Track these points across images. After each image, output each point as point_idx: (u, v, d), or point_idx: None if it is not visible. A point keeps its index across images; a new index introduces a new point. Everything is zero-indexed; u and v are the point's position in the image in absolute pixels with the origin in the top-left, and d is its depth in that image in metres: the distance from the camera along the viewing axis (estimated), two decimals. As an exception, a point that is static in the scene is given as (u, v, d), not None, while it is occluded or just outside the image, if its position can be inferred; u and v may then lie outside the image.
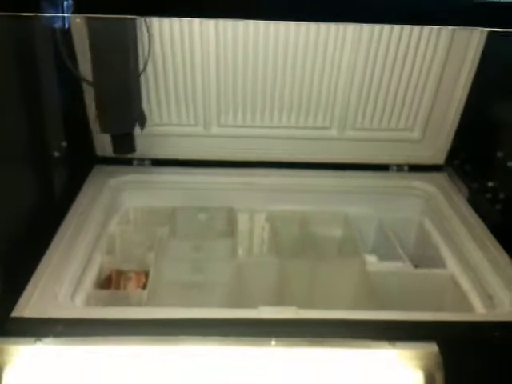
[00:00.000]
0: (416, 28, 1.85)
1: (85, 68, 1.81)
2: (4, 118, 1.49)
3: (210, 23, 1.82)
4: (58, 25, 1.52)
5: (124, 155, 2.00)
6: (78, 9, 1.08)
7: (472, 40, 1.88)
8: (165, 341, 1.30)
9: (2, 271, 1.41)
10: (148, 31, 1.82)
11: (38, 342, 1.28)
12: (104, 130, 1.86)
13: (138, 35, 1.84)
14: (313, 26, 1.84)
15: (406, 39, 1.90)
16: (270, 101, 2.03)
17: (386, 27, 1.85)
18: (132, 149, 1.98)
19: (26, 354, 1.28)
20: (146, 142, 2.07)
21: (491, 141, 1.93)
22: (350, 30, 1.86)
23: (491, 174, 1.94)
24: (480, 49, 1.88)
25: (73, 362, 1.28)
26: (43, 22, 1.58)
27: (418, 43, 1.91)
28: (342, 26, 1.84)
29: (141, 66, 1.87)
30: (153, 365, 1.28)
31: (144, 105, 2.01)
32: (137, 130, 1.96)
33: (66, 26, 1.60)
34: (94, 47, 1.70)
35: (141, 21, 1.80)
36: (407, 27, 1.84)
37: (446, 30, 1.86)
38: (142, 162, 2.13)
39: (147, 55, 1.86)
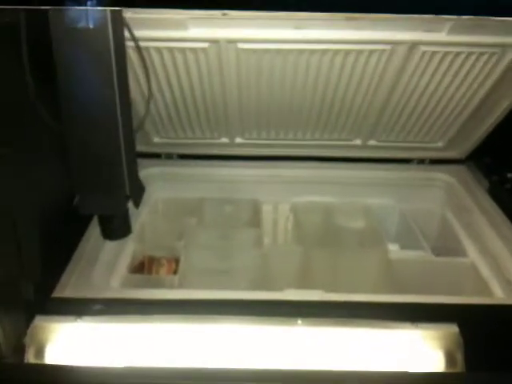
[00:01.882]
0: (464, 67, 1.71)
1: None
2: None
3: (231, 56, 1.67)
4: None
5: (114, 240, 1.60)
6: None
7: None
8: (196, 319, 1.37)
9: (43, 255, 1.49)
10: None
11: (77, 320, 1.37)
12: (84, 210, 1.43)
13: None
14: (350, 59, 1.68)
15: (451, 76, 1.76)
16: (295, 122, 1.99)
17: (434, 60, 1.68)
18: (127, 231, 1.54)
19: (66, 332, 1.36)
20: (170, 146, 2.15)
21: (510, 133, 1.96)
22: (394, 63, 1.69)
23: (510, 165, 1.97)
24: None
25: (110, 339, 1.36)
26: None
27: (463, 81, 1.78)
28: (382, 61, 1.68)
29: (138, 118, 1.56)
30: (185, 342, 1.36)
31: (164, 122, 1.99)
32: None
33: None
34: (68, 104, 1.26)
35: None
36: (457, 63, 1.70)
37: (496, 70, 1.72)
38: (169, 155, 2.20)
39: (148, 94, 1.63)
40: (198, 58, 1.68)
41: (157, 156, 2.19)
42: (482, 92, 1.83)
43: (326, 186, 2.16)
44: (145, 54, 1.63)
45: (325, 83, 1.79)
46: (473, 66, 1.71)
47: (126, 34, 1.43)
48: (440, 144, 2.13)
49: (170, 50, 1.65)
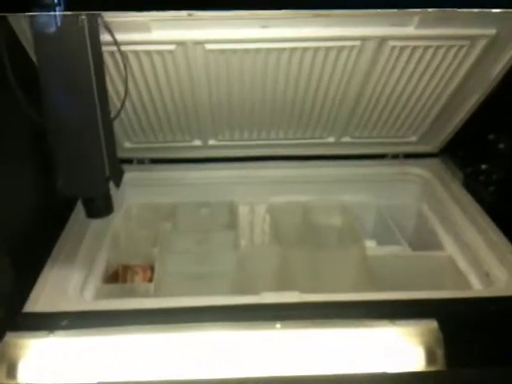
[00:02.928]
0: (434, 60, 1.70)
1: None
2: (8, 118, 1.52)
3: (199, 57, 1.63)
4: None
5: (98, 218, 1.60)
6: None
7: (495, 64, 1.73)
8: (173, 328, 1.34)
9: (12, 268, 1.44)
10: (123, 61, 1.58)
11: (50, 334, 1.33)
12: (67, 192, 1.47)
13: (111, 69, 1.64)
14: (321, 50, 1.64)
15: (422, 69, 1.74)
16: (268, 122, 1.97)
17: (404, 55, 1.67)
18: (109, 210, 1.57)
19: (39, 347, 1.32)
20: (142, 150, 2.11)
21: (483, 124, 1.97)
22: (364, 58, 1.67)
23: (484, 157, 1.98)
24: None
25: (85, 353, 1.33)
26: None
27: (434, 73, 1.76)
28: (353, 55, 1.65)
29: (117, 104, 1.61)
30: (161, 352, 1.32)
31: (134, 127, 1.96)
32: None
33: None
34: (45, 86, 1.32)
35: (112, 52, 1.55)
36: (426, 57, 1.68)
37: (466, 62, 1.71)
38: (141, 160, 2.17)
39: (124, 95, 1.61)
40: (165, 60, 1.65)
41: (128, 161, 2.15)
42: (452, 86, 1.82)
43: (302, 185, 2.15)
44: (109, 58, 1.59)
45: (295, 81, 1.76)
46: (442, 59, 1.70)
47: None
48: (413, 138, 2.13)
49: (136, 53, 1.61)
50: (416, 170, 2.16)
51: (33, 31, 1.29)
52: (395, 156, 2.20)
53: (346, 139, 2.11)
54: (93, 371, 1.31)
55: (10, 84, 1.36)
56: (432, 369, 1.29)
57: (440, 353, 1.32)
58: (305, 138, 2.09)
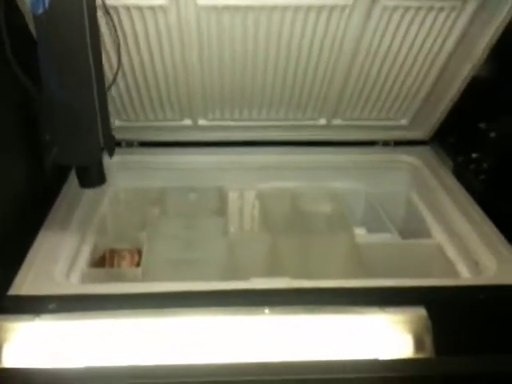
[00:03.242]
0: (424, 26, 1.70)
1: None
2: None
3: (192, 21, 1.64)
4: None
5: (91, 187, 1.64)
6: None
7: (482, 37, 1.75)
8: (160, 313, 1.33)
9: (-3, 251, 1.42)
10: (115, 31, 1.59)
11: (36, 318, 1.31)
12: (61, 161, 1.50)
13: (104, 39, 1.64)
14: (310, 21, 1.66)
15: (411, 38, 1.75)
16: (259, 98, 1.95)
17: (392, 22, 1.68)
18: (101, 180, 1.61)
19: (24, 331, 1.30)
20: (131, 131, 2.09)
21: (473, 113, 1.96)
22: (353, 25, 1.68)
23: (474, 146, 1.98)
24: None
25: (71, 337, 1.31)
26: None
27: (423, 43, 1.77)
28: (342, 22, 1.66)
29: (110, 77, 1.62)
30: (149, 337, 1.31)
31: (125, 103, 1.95)
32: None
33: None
34: (42, 54, 1.34)
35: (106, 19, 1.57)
36: (415, 24, 1.69)
37: (455, 32, 1.72)
38: (130, 143, 2.14)
39: (117, 66, 1.64)
40: (156, 19, 1.63)
41: (117, 144, 2.11)
42: (442, 57, 1.82)
43: (292, 172, 2.14)
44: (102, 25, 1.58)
45: (286, 47, 1.75)
46: (433, 23, 1.70)
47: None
48: (404, 121, 2.12)
49: (128, 9, 1.60)
50: (406, 157, 2.16)
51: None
52: (386, 143, 2.19)
53: (338, 121, 2.10)
54: (79, 355, 1.29)
55: (7, 57, 1.39)
56: (420, 356, 1.29)
57: (428, 340, 1.32)
58: (296, 119, 2.08)
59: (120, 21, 1.64)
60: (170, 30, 1.67)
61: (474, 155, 1.97)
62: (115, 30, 1.61)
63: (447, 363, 1.23)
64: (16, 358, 1.29)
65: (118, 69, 1.66)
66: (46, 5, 1.31)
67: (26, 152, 1.75)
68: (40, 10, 1.31)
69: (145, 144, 2.14)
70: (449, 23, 1.70)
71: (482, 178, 1.93)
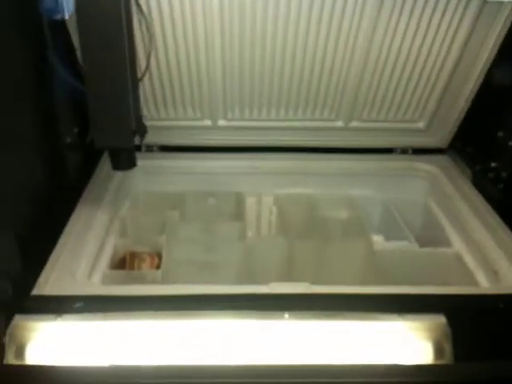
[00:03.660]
0: (434, 21, 1.77)
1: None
2: (18, 106, 1.52)
3: (215, 17, 1.75)
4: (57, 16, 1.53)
5: (123, 170, 1.81)
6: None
7: (490, 33, 1.81)
8: (181, 315, 1.34)
9: (21, 252, 1.44)
10: (149, 31, 1.72)
11: (58, 318, 1.33)
12: (98, 144, 1.66)
13: (136, 34, 1.74)
14: (325, 18, 1.75)
15: (422, 33, 1.81)
16: (277, 96, 2.00)
17: (403, 18, 1.76)
18: (132, 164, 1.78)
19: (47, 330, 1.32)
20: (152, 132, 2.09)
21: (492, 121, 1.96)
22: (365, 21, 1.76)
23: (493, 155, 1.98)
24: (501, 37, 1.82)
25: (92, 337, 1.33)
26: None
27: (434, 39, 1.83)
28: (355, 18, 1.75)
29: (141, 69, 1.76)
30: (169, 338, 1.33)
31: (148, 100, 2.00)
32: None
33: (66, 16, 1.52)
34: (85, 52, 1.51)
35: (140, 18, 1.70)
36: (425, 20, 1.76)
37: (464, 24, 1.78)
38: (150, 148, 2.16)
39: (147, 61, 1.76)
40: (183, 9, 1.73)
41: (137, 148, 2.14)
42: (452, 56, 1.88)
43: (310, 178, 2.15)
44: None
45: (303, 45, 1.83)
46: (440, 21, 1.78)
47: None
48: (421, 125, 2.14)
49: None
50: (424, 165, 2.16)
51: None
52: (404, 151, 2.20)
53: (355, 124, 2.12)
54: (99, 355, 1.31)
55: (49, 54, 1.58)
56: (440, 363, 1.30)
57: (448, 347, 1.32)
58: (314, 119, 2.10)
59: (150, 12, 1.73)
60: (195, 24, 1.77)
61: (492, 164, 1.98)
62: (147, 23, 1.71)
63: (467, 369, 1.23)
64: (38, 356, 1.31)
65: (148, 60, 1.78)
66: (66, 16, 1.49)
67: (50, 153, 1.78)
68: (58, 17, 1.47)
69: (165, 149, 2.16)
70: (458, 16, 1.76)
71: (500, 187, 1.92)
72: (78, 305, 1.37)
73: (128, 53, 1.54)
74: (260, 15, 1.76)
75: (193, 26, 1.79)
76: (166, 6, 1.74)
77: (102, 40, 1.49)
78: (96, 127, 1.62)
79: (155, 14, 1.75)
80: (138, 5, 1.66)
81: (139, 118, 1.73)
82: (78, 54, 1.64)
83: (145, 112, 2.05)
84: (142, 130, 1.77)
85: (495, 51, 1.85)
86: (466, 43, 1.85)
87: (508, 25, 1.78)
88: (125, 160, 1.76)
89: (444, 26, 1.80)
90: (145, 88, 1.95)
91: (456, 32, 1.82)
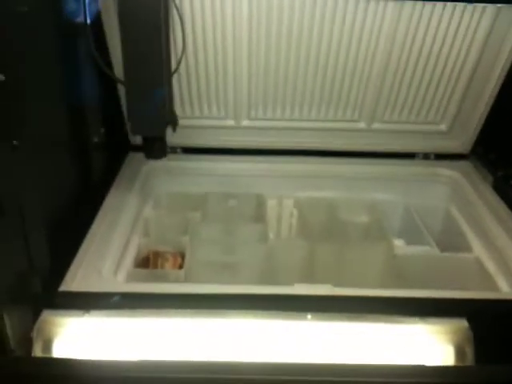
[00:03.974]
0: (453, 21, 1.82)
1: (117, 65, 1.86)
2: (47, 103, 1.56)
3: (244, 16, 1.82)
4: (79, 19, 1.67)
5: (155, 159, 1.95)
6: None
7: (509, 34, 1.86)
8: (206, 314, 1.37)
9: (49, 249, 1.47)
10: (182, 28, 1.80)
11: (85, 314, 1.36)
12: (135, 131, 1.85)
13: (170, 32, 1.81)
14: (348, 16, 1.82)
15: (443, 33, 1.87)
16: (300, 95, 2.04)
17: (424, 16, 1.81)
18: (164, 153, 1.93)
19: (74, 326, 1.35)
20: (176, 133, 2.12)
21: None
22: (387, 21, 1.83)
23: (515, 161, 1.98)
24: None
25: (118, 334, 1.36)
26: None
27: (454, 39, 1.88)
28: (378, 15, 1.81)
29: (173, 66, 1.81)
30: (194, 337, 1.35)
31: (175, 98, 2.03)
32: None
33: (88, 21, 1.65)
34: (125, 44, 1.65)
35: (173, 16, 1.77)
36: (445, 20, 1.82)
37: (483, 25, 1.83)
38: (173, 149, 2.19)
39: (180, 55, 1.84)
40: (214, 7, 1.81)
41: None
42: (472, 57, 1.93)
43: (331, 181, 2.16)
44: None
45: (327, 43, 1.89)
46: (460, 22, 1.84)
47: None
48: (443, 127, 2.15)
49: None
50: (446, 171, 2.16)
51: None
52: (426, 157, 2.21)
53: (377, 125, 2.14)
54: (125, 351, 1.34)
55: (92, 52, 1.70)
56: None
57: (470, 351, 1.33)
58: (336, 120, 2.12)
59: (183, 13, 1.81)
60: (225, 22, 1.84)
61: (514, 171, 1.98)
62: (181, 23, 1.79)
63: (489, 372, 1.23)
64: (65, 351, 1.34)
65: (180, 58, 1.85)
66: (88, 20, 1.64)
67: (80, 152, 1.82)
68: (78, 19, 1.62)
69: (187, 150, 2.19)
70: (474, 23, 1.84)
71: (522, 194, 1.93)
72: (115, 299, 1.40)
73: (164, 48, 1.67)
74: (286, 17, 1.83)
75: (222, 27, 1.86)
76: (199, 9, 1.81)
77: (141, 35, 1.62)
78: (132, 117, 1.76)
79: (187, 15, 1.83)
80: (176, 6, 1.75)
81: (172, 109, 1.87)
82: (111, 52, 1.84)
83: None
84: (174, 121, 1.89)
85: (509, 63, 1.90)
86: (484, 46, 1.90)
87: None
88: (157, 149, 1.90)
89: (462, 29, 1.86)
90: (173, 86, 1.98)
91: (474, 35, 1.87)
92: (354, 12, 1.81)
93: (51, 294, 1.42)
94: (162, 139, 1.89)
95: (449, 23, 1.84)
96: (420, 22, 1.83)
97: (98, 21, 1.78)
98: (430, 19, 1.82)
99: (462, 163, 2.19)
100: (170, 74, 1.77)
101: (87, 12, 1.65)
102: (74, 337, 1.35)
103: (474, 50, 1.91)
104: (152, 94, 1.71)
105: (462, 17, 1.83)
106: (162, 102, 1.73)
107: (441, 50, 1.91)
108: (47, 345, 1.34)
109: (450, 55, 1.92)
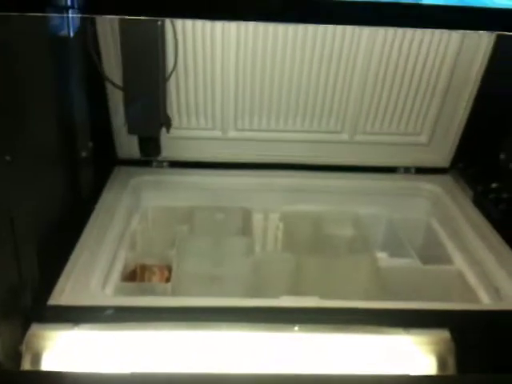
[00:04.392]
0: (427, 33, 1.94)
1: (110, 71, 1.92)
2: (44, 120, 1.58)
3: (232, 30, 1.90)
4: (62, 32, 1.68)
5: (150, 157, 2.10)
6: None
7: (480, 46, 1.97)
8: (193, 326, 1.38)
9: (39, 263, 1.48)
10: (175, 36, 1.89)
11: (75, 327, 1.37)
12: (131, 131, 1.96)
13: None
14: (329, 32, 1.93)
15: (417, 44, 1.98)
16: (285, 106, 2.12)
17: (399, 33, 1.93)
18: (158, 152, 2.08)
19: (63, 340, 1.36)
20: (164, 144, 2.16)
21: (494, 143, 2.03)
22: (364, 36, 1.94)
23: (494, 176, 2.03)
24: (489, 52, 1.97)
25: (108, 347, 1.37)
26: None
27: (429, 49, 1.99)
28: (356, 32, 1.92)
29: (167, 72, 1.94)
30: (180, 349, 1.37)
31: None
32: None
33: (71, 33, 1.70)
34: (124, 49, 1.79)
35: (167, 26, 1.86)
36: (419, 32, 1.93)
37: (456, 36, 1.94)
38: (160, 163, 2.21)
39: (174, 61, 1.93)
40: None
41: (147, 163, 2.20)
42: (444, 74, 2.05)
43: (316, 195, 2.20)
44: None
45: (309, 59, 2.00)
46: (430, 43, 1.98)
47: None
48: (423, 138, 2.23)
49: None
50: (427, 185, 2.22)
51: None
52: (407, 170, 2.26)
53: (359, 137, 2.21)
54: (114, 364, 1.35)
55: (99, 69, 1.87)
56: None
57: (451, 362, 1.36)
58: (320, 131, 2.19)
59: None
60: (215, 39, 1.95)
61: (493, 185, 2.03)
62: (175, 37, 1.91)
63: (470, 381, 1.27)
64: (55, 364, 1.35)
65: (173, 69, 1.97)
66: (71, 33, 1.71)
67: (67, 168, 1.83)
68: (62, 33, 1.67)
69: (174, 164, 2.21)
70: (443, 43, 1.98)
71: (501, 208, 1.98)
72: (107, 312, 1.41)
73: (160, 57, 1.85)
74: (271, 40, 1.94)
75: (211, 43, 1.96)
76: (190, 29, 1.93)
77: (139, 47, 1.80)
78: (130, 118, 1.92)
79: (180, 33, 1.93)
80: (174, 29, 1.88)
81: (165, 112, 2.03)
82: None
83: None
84: (167, 123, 2.03)
85: (482, 71, 2.02)
86: (454, 64, 2.03)
87: (490, 51, 1.97)
88: (152, 148, 2.08)
89: (433, 49, 2.01)
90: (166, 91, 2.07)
91: (445, 54, 2.01)
92: (333, 34, 1.95)
93: (40, 308, 1.42)
94: (156, 139, 2.07)
95: (420, 45, 1.98)
96: (393, 44, 1.97)
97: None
98: (402, 41, 1.97)
99: (443, 178, 2.24)
100: (164, 82, 1.93)
101: (71, 27, 1.70)
102: (63, 350, 1.36)
103: (446, 68, 2.04)
104: (148, 99, 1.89)
105: (431, 38, 1.96)
106: (156, 105, 1.91)
107: (414, 68, 2.04)
108: (36, 358, 1.34)
109: (424, 73, 2.05)
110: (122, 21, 1.75)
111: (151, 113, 1.93)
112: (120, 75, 1.90)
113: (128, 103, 1.89)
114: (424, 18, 1.22)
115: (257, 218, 2.18)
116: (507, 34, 1.20)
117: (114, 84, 1.92)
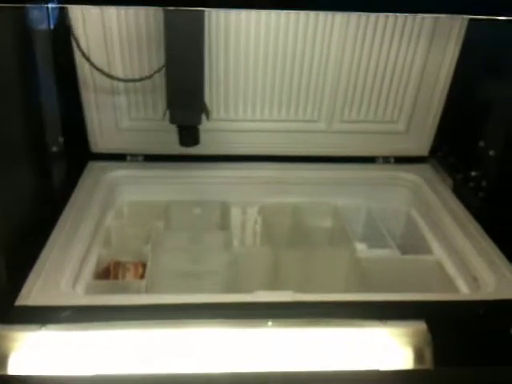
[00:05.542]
0: (399, 19, 1.93)
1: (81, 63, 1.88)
2: (6, 112, 1.53)
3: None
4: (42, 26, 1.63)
5: (189, 147, 2.03)
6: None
7: (453, 30, 1.95)
8: (165, 324, 1.35)
9: (5, 262, 1.44)
10: None
11: (42, 328, 1.33)
12: (173, 121, 1.92)
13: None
14: (302, 20, 1.91)
15: (390, 30, 1.97)
16: (260, 95, 2.09)
17: (371, 19, 1.92)
18: (197, 141, 2.02)
19: (30, 341, 1.32)
20: (137, 140, 2.13)
21: (472, 131, 2.01)
22: (337, 24, 1.93)
23: (474, 164, 2.01)
24: (461, 39, 1.96)
25: (76, 348, 1.33)
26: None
27: (402, 35, 1.98)
28: (329, 19, 1.91)
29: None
30: (154, 348, 1.33)
31: (138, 100, 2.06)
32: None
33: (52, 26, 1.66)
34: (168, 37, 1.76)
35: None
36: (392, 18, 1.92)
37: (429, 21, 1.93)
38: (135, 157, 2.17)
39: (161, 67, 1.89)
40: None
41: (122, 157, 2.15)
42: (417, 61, 2.04)
43: (294, 187, 2.16)
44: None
45: (283, 47, 1.99)
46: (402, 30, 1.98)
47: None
48: (400, 126, 2.20)
49: None
50: (406, 174, 2.19)
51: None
52: (386, 160, 2.23)
53: (336, 126, 2.18)
54: (84, 365, 1.31)
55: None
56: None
57: (428, 353, 1.34)
58: (297, 120, 2.16)
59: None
60: None
61: (473, 173, 2.01)
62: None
63: (447, 374, 1.25)
64: (22, 366, 1.31)
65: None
66: (52, 26, 1.67)
67: (36, 164, 1.78)
68: (42, 27, 1.63)
69: (149, 158, 2.17)
70: (416, 31, 1.98)
71: (480, 196, 1.96)
72: (62, 315, 1.37)
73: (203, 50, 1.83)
74: (244, 25, 1.92)
75: None
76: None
77: (183, 35, 1.77)
78: (172, 107, 1.89)
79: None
80: None
81: (204, 100, 1.99)
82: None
83: (132, 112, 2.11)
84: (207, 111, 2.00)
85: (457, 57, 2.02)
86: (427, 53, 2.02)
87: (463, 35, 1.96)
88: (192, 137, 2.02)
89: (405, 38, 1.99)
90: (136, 86, 2.04)
91: (417, 43, 2.00)
92: (306, 21, 1.92)
93: (6, 309, 1.38)
94: (196, 128, 2.01)
95: (393, 30, 1.97)
96: (366, 31, 1.96)
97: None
98: (375, 28, 1.95)
99: (422, 167, 2.22)
100: (203, 70, 1.89)
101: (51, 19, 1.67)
102: (29, 352, 1.32)
103: (420, 54, 2.03)
104: (191, 86, 1.87)
105: (405, 24, 1.96)
106: (200, 93, 1.90)
107: (388, 54, 2.02)
108: (2, 361, 1.30)
109: (398, 59, 2.04)
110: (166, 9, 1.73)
111: (194, 101, 1.90)
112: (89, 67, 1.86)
113: (170, 91, 1.86)
114: (397, 3, 1.21)
115: (234, 212, 2.15)
116: (480, 18, 1.18)
117: (113, 77, 1.91)
